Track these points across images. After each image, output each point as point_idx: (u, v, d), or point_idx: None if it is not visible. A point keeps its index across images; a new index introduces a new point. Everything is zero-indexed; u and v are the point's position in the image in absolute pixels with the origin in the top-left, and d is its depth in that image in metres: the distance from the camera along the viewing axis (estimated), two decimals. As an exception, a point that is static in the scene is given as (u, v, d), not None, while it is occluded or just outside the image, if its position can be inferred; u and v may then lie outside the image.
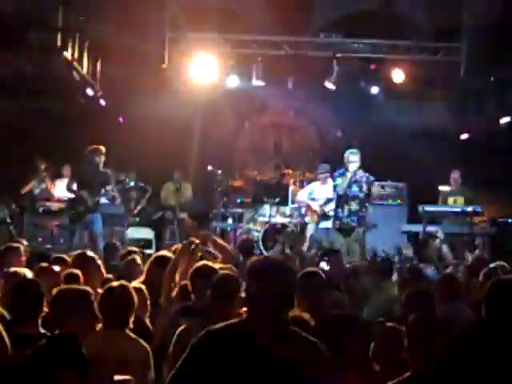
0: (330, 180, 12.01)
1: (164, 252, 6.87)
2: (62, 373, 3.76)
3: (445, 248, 11.10)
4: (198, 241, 6.56)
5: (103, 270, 6.50)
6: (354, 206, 11.13)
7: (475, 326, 5.21)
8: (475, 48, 12.60)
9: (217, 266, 6.44)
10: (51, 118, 13.46)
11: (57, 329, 4.46)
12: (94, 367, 3.94)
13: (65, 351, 3.99)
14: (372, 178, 11.36)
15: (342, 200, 11.17)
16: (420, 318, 4.03)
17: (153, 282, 6.10)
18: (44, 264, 6.38)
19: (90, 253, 6.63)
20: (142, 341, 4.73)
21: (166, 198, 14.23)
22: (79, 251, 6.92)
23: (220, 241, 7.21)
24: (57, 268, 6.13)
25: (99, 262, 6.46)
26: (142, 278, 6.36)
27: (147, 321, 5.59)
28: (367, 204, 11.35)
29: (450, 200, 12.14)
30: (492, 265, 7.54)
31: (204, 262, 5.83)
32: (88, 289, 4.62)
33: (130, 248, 8.39)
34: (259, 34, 13.60)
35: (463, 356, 4.23)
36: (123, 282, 5.10)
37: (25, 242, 8.55)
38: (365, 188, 11.21)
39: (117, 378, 4.13)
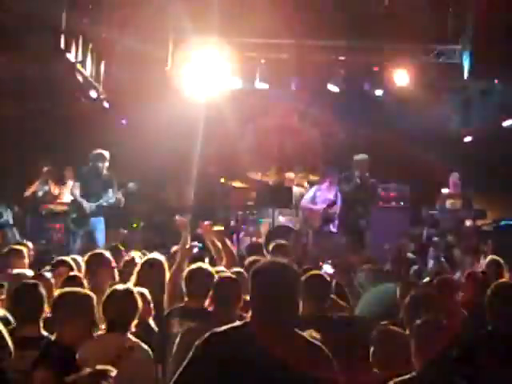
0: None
1: (154, 254, 6.86)
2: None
3: (456, 251, 11.08)
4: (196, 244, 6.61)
5: (116, 274, 6.45)
6: (361, 209, 11.17)
7: (477, 328, 5.22)
8: (478, 50, 12.60)
9: (220, 268, 6.47)
10: (54, 120, 13.47)
11: (56, 332, 4.44)
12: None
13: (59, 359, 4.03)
14: (376, 183, 11.40)
15: (348, 204, 11.20)
16: (428, 322, 4.03)
17: (143, 284, 6.07)
18: (38, 272, 6.39)
19: (107, 254, 6.58)
20: (143, 344, 4.72)
21: (167, 200, 14.22)
22: (96, 250, 6.86)
23: (229, 243, 7.22)
24: (48, 275, 6.13)
25: (114, 264, 6.42)
26: (133, 281, 6.32)
27: (152, 323, 5.59)
28: (370, 207, 11.39)
29: (448, 202, 12.11)
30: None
31: (198, 264, 5.83)
32: (90, 294, 4.59)
33: (134, 252, 8.37)
34: (262, 37, 13.60)
35: (467, 357, 4.23)
36: (128, 285, 5.10)
37: (30, 245, 8.54)
38: (369, 192, 11.25)
39: (99, 367, 4.13)
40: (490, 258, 8.01)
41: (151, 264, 6.37)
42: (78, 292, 4.60)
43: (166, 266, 6.39)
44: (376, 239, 11.82)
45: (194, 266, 5.71)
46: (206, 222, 7.31)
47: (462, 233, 11.52)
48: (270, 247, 8.00)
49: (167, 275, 6.26)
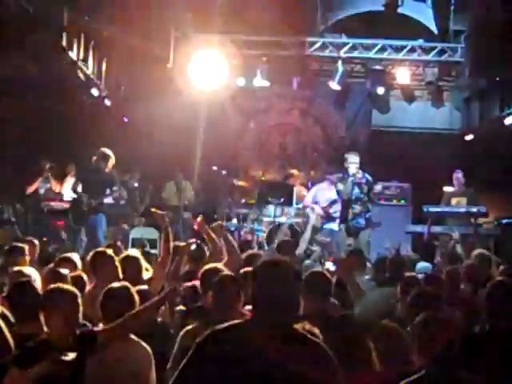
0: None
1: (131, 251, 6.83)
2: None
3: (459, 248, 11.06)
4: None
5: (120, 272, 6.42)
6: (358, 207, 11.20)
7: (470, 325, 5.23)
8: (480, 48, 12.57)
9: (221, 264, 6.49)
10: (56, 118, 13.47)
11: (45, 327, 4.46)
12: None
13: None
14: (371, 179, 11.42)
15: (345, 204, 11.25)
16: (432, 318, 4.01)
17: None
18: (52, 267, 6.38)
19: (110, 252, 6.56)
20: (142, 342, 4.72)
21: (168, 198, 14.21)
22: (100, 249, 6.84)
23: (231, 238, 7.22)
24: (65, 271, 6.12)
25: (118, 263, 6.40)
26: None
27: (159, 320, 5.58)
28: (369, 204, 11.40)
29: (453, 201, 12.09)
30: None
31: (213, 264, 5.85)
32: (74, 290, 4.57)
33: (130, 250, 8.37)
34: (264, 35, 13.59)
35: (472, 356, 4.23)
36: (124, 283, 5.09)
37: (36, 242, 8.53)
38: (365, 189, 11.26)
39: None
40: (477, 252, 8.04)
41: (125, 261, 6.35)
42: (61, 288, 4.58)
43: (140, 262, 6.39)
44: (377, 237, 11.83)
45: (208, 266, 5.72)
46: (199, 218, 7.32)
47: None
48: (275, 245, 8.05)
49: (143, 271, 6.28)
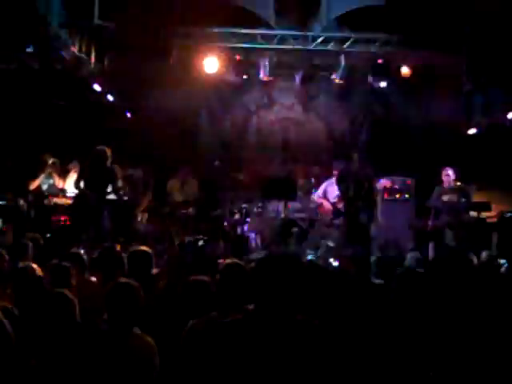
0: None
1: (138, 247, 6.86)
2: None
3: (450, 241, 11.10)
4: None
5: (126, 268, 6.41)
6: (360, 204, 11.22)
7: None
8: (483, 42, 12.57)
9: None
10: (59, 114, 13.49)
11: None
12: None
13: None
14: (371, 174, 11.44)
15: (347, 202, 11.31)
16: None
17: (130, 276, 6.03)
18: (57, 263, 6.41)
19: (116, 247, 6.55)
20: (147, 336, 4.73)
21: (171, 195, 14.20)
22: (105, 245, 6.84)
23: None
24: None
25: (126, 260, 6.39)
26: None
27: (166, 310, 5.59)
28: (371, 200, 11.41)
29: (444, 198, 12.08)
30: None
31: (234, 259, 5.87)
32: (65, 292, 4.58)
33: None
34: (267, 29, 13.58)
35: None
36: (130, 279, 5.09)
37: (40, 238, 8.55)
38: (366, 185, 11.27)
39: None
40: None
41: (136, 256, 6.35)
42: (59, 294, 4.59)
43: (149, 257, 6.40)
44: (380, 232, 11.84)
45: (229, 260, 5.75)
46: None
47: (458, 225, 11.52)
48: None
49: (151, 267, 6.30)
